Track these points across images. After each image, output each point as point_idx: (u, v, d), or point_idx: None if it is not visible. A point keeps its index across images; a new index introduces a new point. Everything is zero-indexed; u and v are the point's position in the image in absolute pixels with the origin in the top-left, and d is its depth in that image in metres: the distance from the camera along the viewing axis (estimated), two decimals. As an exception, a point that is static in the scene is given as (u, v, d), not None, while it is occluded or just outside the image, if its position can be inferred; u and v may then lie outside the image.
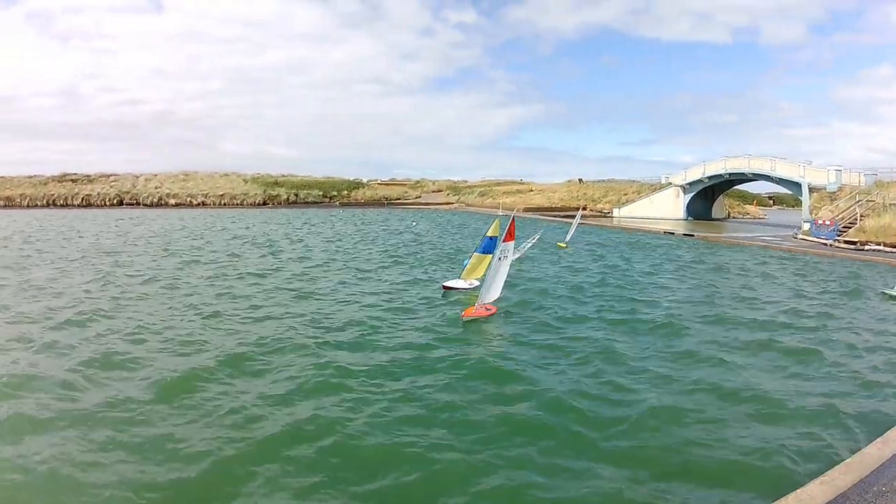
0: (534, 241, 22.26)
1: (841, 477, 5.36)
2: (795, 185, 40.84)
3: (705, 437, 6.41)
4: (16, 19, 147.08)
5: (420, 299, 14.11)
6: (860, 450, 5.98)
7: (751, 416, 6.97)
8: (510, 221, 12.19)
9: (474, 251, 16.03)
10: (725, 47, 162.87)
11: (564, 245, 28.38)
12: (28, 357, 8.87)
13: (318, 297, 14.35)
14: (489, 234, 14.96)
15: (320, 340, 9.96)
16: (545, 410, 6.96)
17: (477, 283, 15.25)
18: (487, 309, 12.05)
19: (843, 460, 5.74)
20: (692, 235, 35.70)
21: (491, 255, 14.64)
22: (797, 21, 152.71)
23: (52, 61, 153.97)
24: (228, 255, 23.23)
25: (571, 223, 30.94)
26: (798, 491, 5.14)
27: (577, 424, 6.63)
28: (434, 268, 19.99)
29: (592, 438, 6.31)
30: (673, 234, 37.23)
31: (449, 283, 16.06)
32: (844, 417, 6.92)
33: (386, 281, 17.02)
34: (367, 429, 6.38)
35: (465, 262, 16.48)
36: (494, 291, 12.13)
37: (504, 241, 12.03)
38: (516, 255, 21.73)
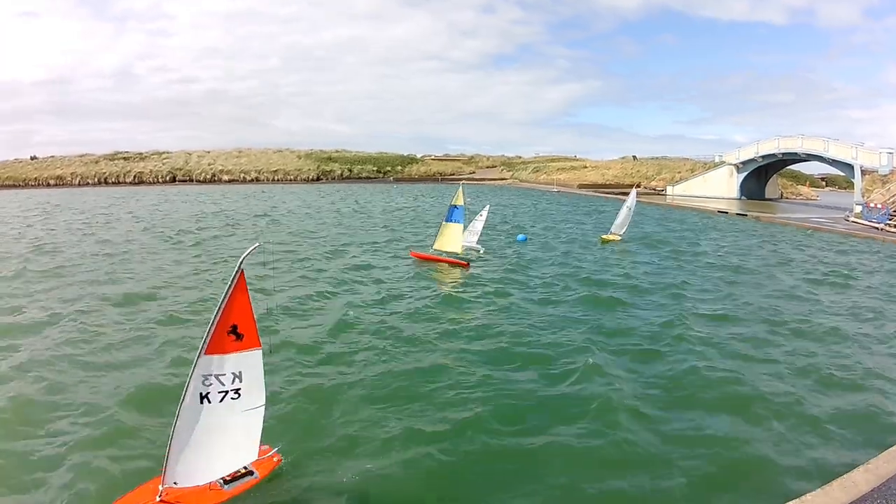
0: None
1: (885, 465, 5.41)
2: (848, 167, 41.53)
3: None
4: (69, 2, 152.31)
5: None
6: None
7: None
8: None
9: (444, 220, 16.20)
10: (782, 28, 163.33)
11: (613, 238, 23.12)
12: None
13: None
14: (454, 203, 15.15)
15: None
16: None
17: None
18: (211, 489, 5.86)
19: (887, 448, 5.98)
20: (745, 215, 37.87)
21: (460, 224, 15.62)
22: (852, 3, 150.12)
23: (107, 43, 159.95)
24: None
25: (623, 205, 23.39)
26: (842, 477, 5.27)
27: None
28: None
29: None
30: (726, 213, 39.51)
31: (418, 252, 17.06)
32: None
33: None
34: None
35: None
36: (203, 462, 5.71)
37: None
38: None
